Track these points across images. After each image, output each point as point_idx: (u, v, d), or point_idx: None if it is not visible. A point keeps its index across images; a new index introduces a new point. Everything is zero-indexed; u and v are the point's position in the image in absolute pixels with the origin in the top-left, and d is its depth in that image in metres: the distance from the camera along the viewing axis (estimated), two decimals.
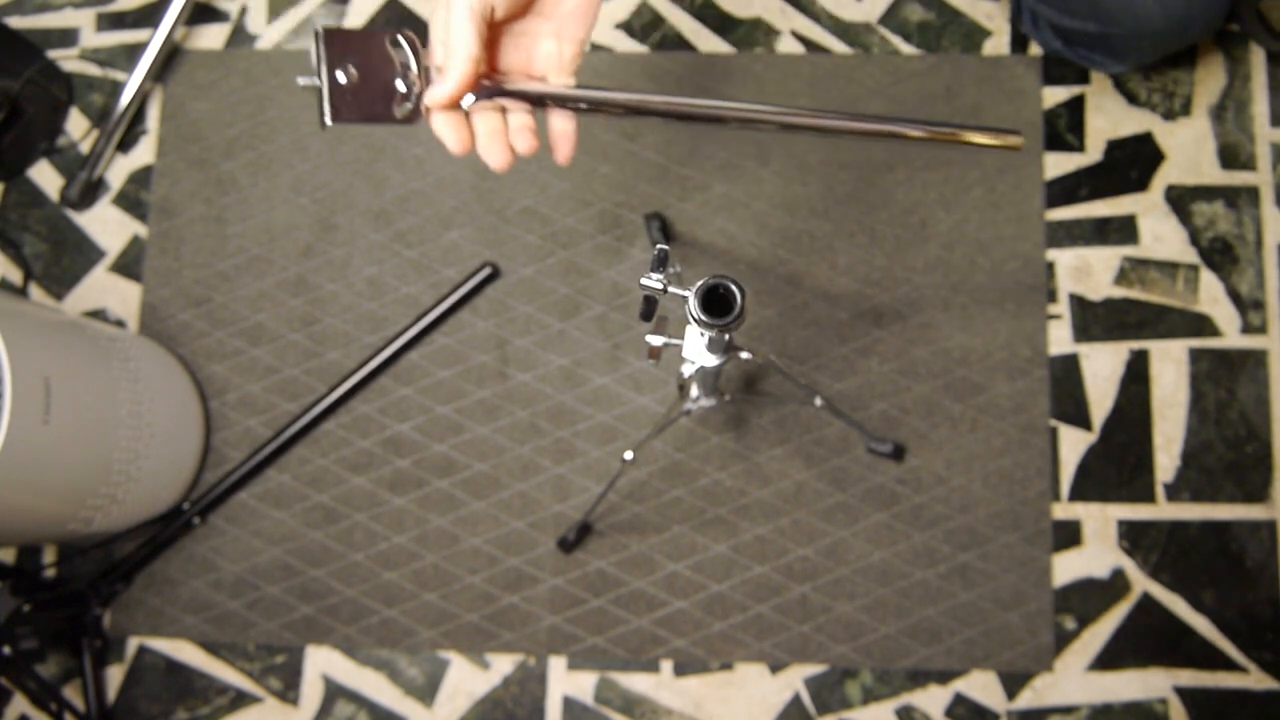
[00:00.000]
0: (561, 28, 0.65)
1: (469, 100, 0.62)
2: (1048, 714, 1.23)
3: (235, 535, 1.31)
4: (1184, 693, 1.23)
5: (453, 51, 0.60)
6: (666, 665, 1.26)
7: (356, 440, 1.32)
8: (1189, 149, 1.33)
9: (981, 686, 1.24)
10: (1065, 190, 1.33)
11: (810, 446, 1.29)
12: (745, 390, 1.31)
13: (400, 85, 0.62)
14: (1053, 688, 1.23)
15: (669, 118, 0.66)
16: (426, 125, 0.64)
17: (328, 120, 0.60)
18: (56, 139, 1.41)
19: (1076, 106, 1.35)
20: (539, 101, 0.64)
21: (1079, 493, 1.27)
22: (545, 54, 0.65)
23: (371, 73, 0.61)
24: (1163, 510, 1.27)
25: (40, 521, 1.11)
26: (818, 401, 1.14)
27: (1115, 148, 1.34)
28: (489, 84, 0.63)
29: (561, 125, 0.67)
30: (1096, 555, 1.26)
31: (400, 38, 0.61)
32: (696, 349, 0.84)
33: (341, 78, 0.60)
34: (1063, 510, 1.27)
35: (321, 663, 1.28)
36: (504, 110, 0.64)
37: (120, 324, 1.37)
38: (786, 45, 1.38)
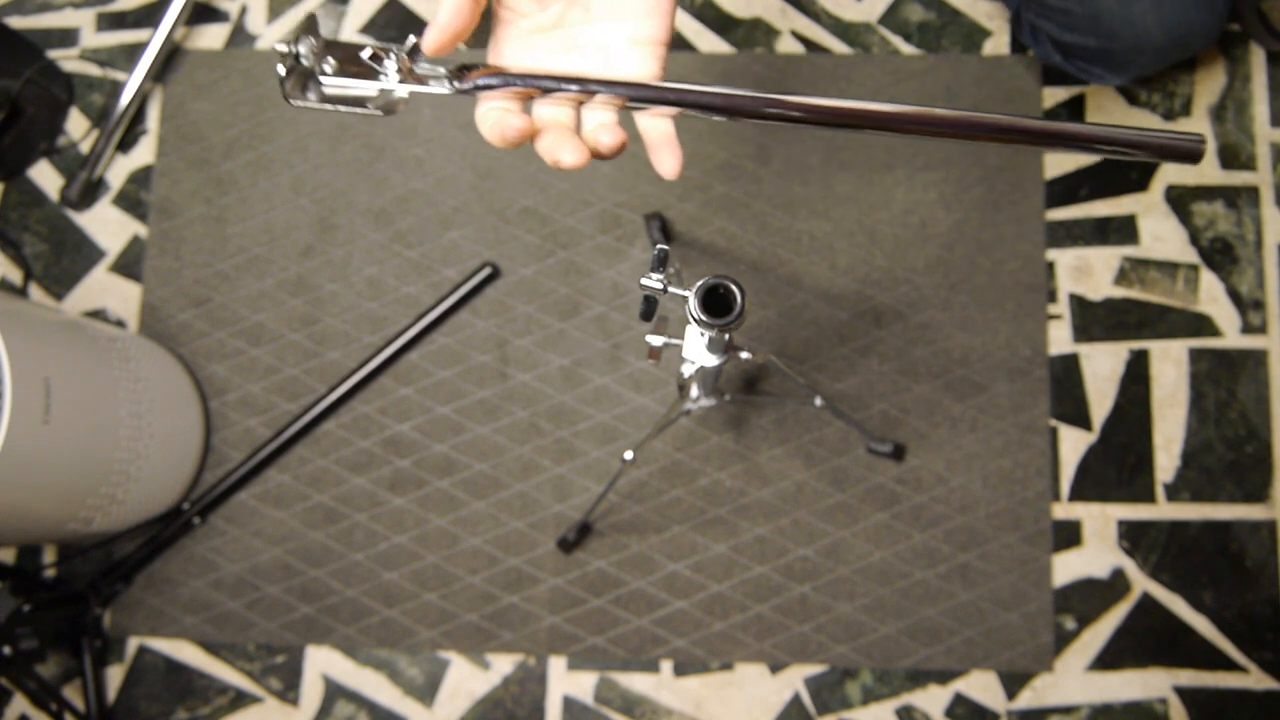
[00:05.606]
0: (637, 28, 0.57)
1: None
2: (1048, 714, 1.23)
3: (235, 535, 1.31)
4: (1184, 693, 1.23)
5: None
6: (666, 665, 1.26)
7: (356, 440, 1.32)
8: None
9: (981, 686, 1.24)
10: (1065, 190, 1.33)
11: (810, 446, 1.29)
12: (745, 390, 1.31)
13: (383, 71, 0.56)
14: (1053, 688, 1.23)
15: (750, 117, 0.54)
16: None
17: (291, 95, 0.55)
18: (56, 139, 1.41)
19: (1076, 106, 1.35)
20: (553, 88, 0.55)
21: (1079, 493, 1.27)
22: (626, 65, 0.57)
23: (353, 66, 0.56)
24: (1163, 510, 1.27)
25: (40, 521, 1.11)
26: (818, 401, 1.14)
27: None
28: (496, 69, 0.55)
29: (658, 128, 0.56)
30: (1096, 555, 1.26)
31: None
32: (696, 349, 0.84)
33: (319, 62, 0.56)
34: (1063, 510, 1.27)
35: (321, 663, 1.28)
36: (579, 103, 0.55)
37: (120, 324, 1.37)
38: (786, 45, 1.38)
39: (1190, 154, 0.54)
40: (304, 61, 0.54)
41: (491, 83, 0.55)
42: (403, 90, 0.55)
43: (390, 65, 0.55)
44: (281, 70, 0.54)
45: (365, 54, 0.55)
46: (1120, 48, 1.14)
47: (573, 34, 0.57)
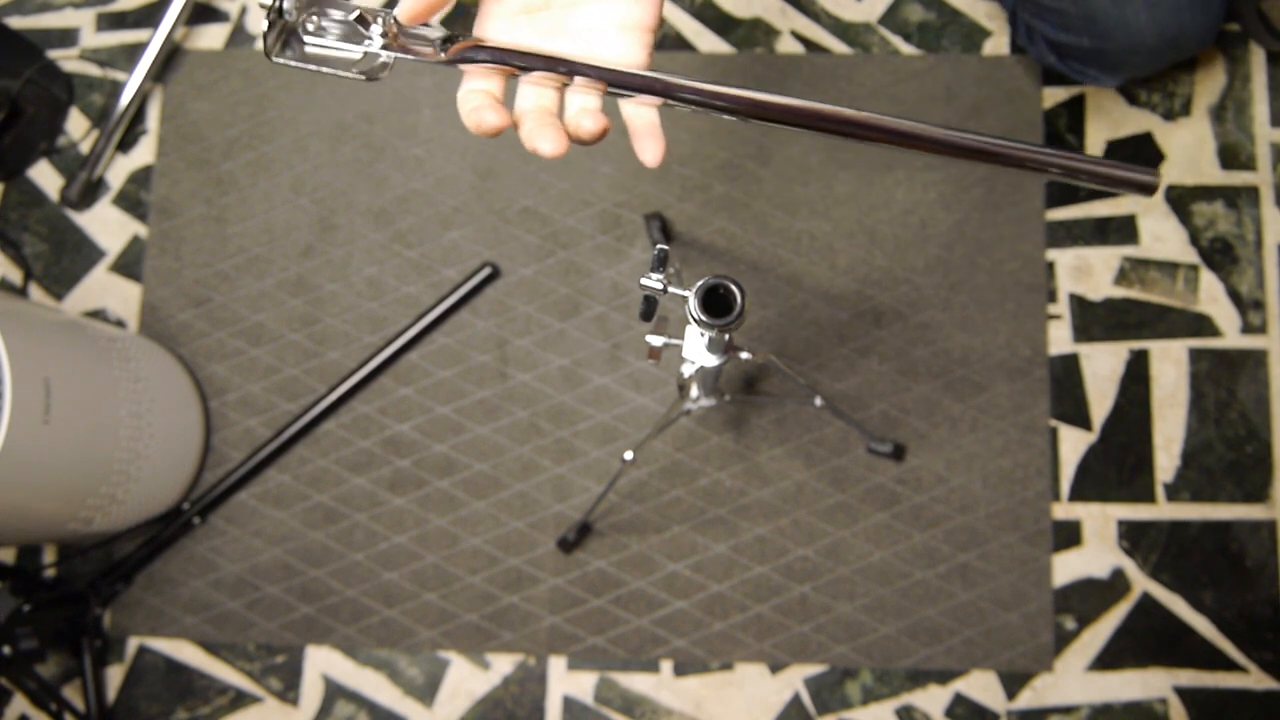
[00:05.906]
0: (627, 13, 0.56)
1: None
2: (1048, 714, 1.23)
3: (235, 535, 1.31)
4: (1184, 693, 1.23)
5: None
6: (666, 665, 1.26)
7: (356, 440, 1.32)
8: (1189, 149, 1.33)
9: (981, 686, 1.24)
10: (1065, 190, 1.33)
11: (810, 446, 1.29)
12: (745, 390, 1.31)
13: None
14: (1053, 688, 1.23)
15: (751, 117, 0.55)
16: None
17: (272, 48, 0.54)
18: (56, 139, 1.42)
19: (1076, 106, 1.35)
20: (540, 66, 0.54)
21: (1079, 493, 1.27)
22: (613, 50, 0.56)
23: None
24: (1163, 510, 1.27)
25: (40, 521, 1.11)
26: (818, 401, 1.14)
27: (1115, 148, 1.34)
28: (476, 41, 0.54)
29: (643, 116, 0.55)
30: (1096, 555, 1.26)
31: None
32: (696, 349, 0.84)
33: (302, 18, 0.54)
34: (1063, 510, 1.27)
35: (321, 663, 1.28)
36: (561, 86, 0.55)
37: (120, 324, 1.37)
38: (786, 45, 1.38)
39: (1145, 187, 0.54)
40: (287, 17, 0.53)
41: (477, 56, 0.54)
42: (387, 56, 0.54)
43: (376, 30, 0.54)
44: (264, 24, 0.53)
45: (351, 15, 0.54)
46: (1114, 48, 1.14)
47: (560, 16, 0.56)
